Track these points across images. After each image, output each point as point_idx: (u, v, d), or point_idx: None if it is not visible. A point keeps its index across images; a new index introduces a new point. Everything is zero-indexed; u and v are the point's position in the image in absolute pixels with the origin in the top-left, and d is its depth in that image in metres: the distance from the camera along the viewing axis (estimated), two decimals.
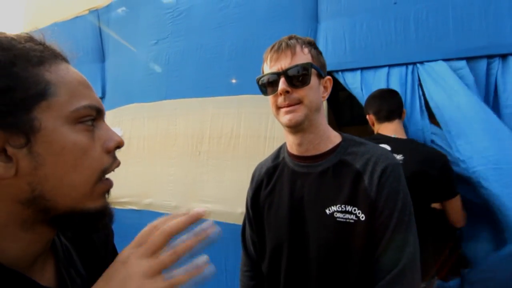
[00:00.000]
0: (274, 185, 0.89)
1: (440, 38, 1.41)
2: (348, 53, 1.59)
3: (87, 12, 2.35)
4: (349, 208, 0.75)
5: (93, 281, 0.46)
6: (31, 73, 0.35)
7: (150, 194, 2.08)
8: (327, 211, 0.76)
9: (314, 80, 0.77)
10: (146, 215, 2.10)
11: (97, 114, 0.41)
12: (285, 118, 0.76)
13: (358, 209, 0.74)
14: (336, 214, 0.75)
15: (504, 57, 1.32)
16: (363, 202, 0.74)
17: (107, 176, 0.42)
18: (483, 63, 1.35)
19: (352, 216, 0.74)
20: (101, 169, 0.39)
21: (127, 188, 2.17)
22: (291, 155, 0.86)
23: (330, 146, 0.82)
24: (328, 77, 0.84)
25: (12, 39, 0.36)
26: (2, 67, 0.33)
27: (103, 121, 0.42)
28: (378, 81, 1.56)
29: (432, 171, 1.25)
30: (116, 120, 2.31)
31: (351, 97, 1.70)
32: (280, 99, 0.76)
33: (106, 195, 0.42)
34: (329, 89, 0.84)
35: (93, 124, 0.40)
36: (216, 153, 1.88)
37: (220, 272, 1.83)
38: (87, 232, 0.46)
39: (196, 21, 2.01)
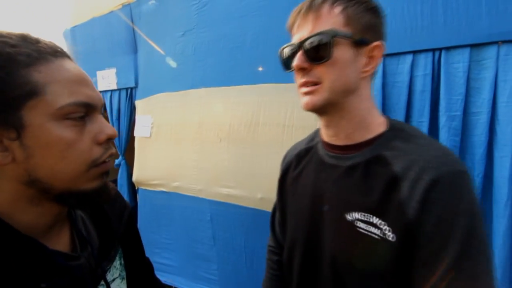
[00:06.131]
0: (301, 171, 0.77)
1: (470, 21, 1.31)
2: None
3: (120, 6, 2.50)
4: (375, 220, 0.57)
5: (103, 248, 0.53)
6: (19, 75, 0.38)
7: (177, 178, 2.22)
8: (348, 216, 0.61)
9: (342, 51, 0.58)
10: (174, 197, 2.25)
11: (88, 109, 0.43)
12: (302, 100, 0.63)
13: (386, 225, 0.56)
14: (357, 223, 0.60)
15: None
16: (395, 218, 0.55)
17: (107, 159, 0.45)
18: None
19: (377, 231, 0.57)
20: (90, 160, 0.43)
21: (157, 172, 2.33)
22: (323, 141, 0.73)
23: (368, 136, 0.64)
24: (377, 43, 0.61)
25: (2, 42, 0.38)
26: None
27: (98, 114, 0.45)
28: (402, 69, 1.50)
29: None
30: (148, 108, 2.47)
31: None
32: (299, 76, 0.63)
33: (104, 176, 0.46)
34: (377, 60, 0.62)
35: (84, 118, 0.43)
36: (235, 140, 1.95)
37: (239, 253, 1.92)
38: (87, 207, 0.51)
39: (220, 11, 2.05)
